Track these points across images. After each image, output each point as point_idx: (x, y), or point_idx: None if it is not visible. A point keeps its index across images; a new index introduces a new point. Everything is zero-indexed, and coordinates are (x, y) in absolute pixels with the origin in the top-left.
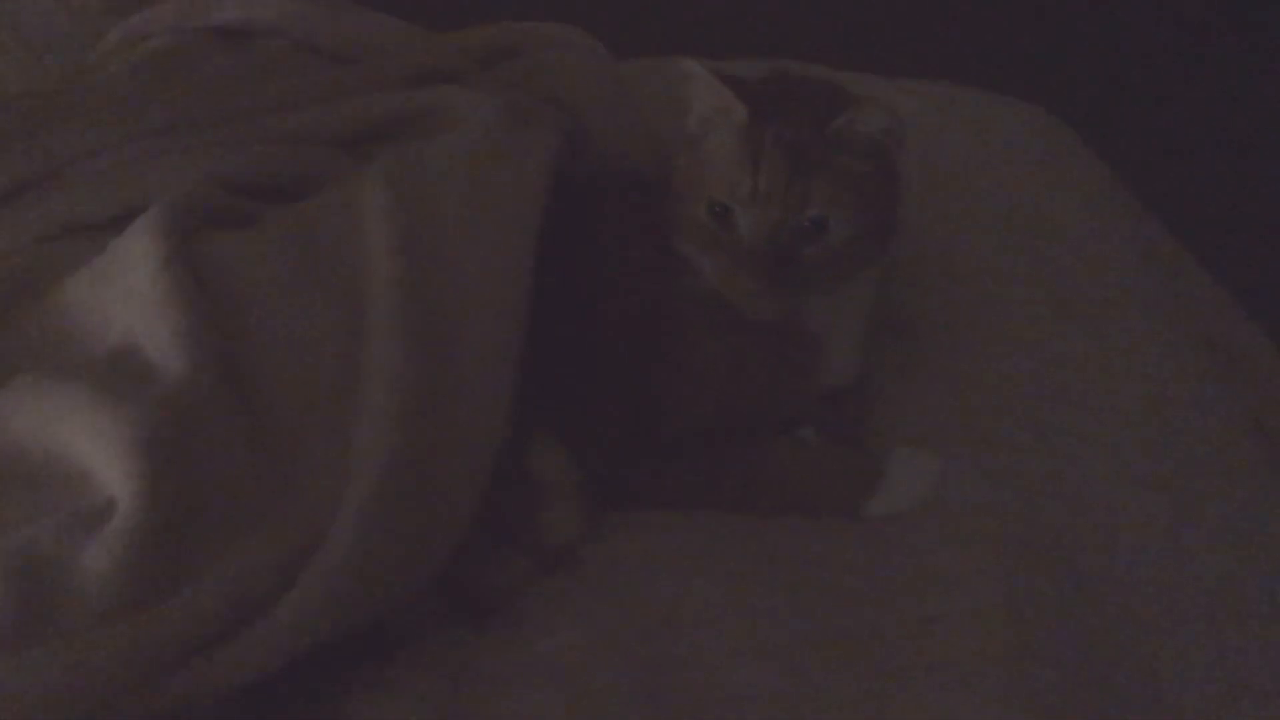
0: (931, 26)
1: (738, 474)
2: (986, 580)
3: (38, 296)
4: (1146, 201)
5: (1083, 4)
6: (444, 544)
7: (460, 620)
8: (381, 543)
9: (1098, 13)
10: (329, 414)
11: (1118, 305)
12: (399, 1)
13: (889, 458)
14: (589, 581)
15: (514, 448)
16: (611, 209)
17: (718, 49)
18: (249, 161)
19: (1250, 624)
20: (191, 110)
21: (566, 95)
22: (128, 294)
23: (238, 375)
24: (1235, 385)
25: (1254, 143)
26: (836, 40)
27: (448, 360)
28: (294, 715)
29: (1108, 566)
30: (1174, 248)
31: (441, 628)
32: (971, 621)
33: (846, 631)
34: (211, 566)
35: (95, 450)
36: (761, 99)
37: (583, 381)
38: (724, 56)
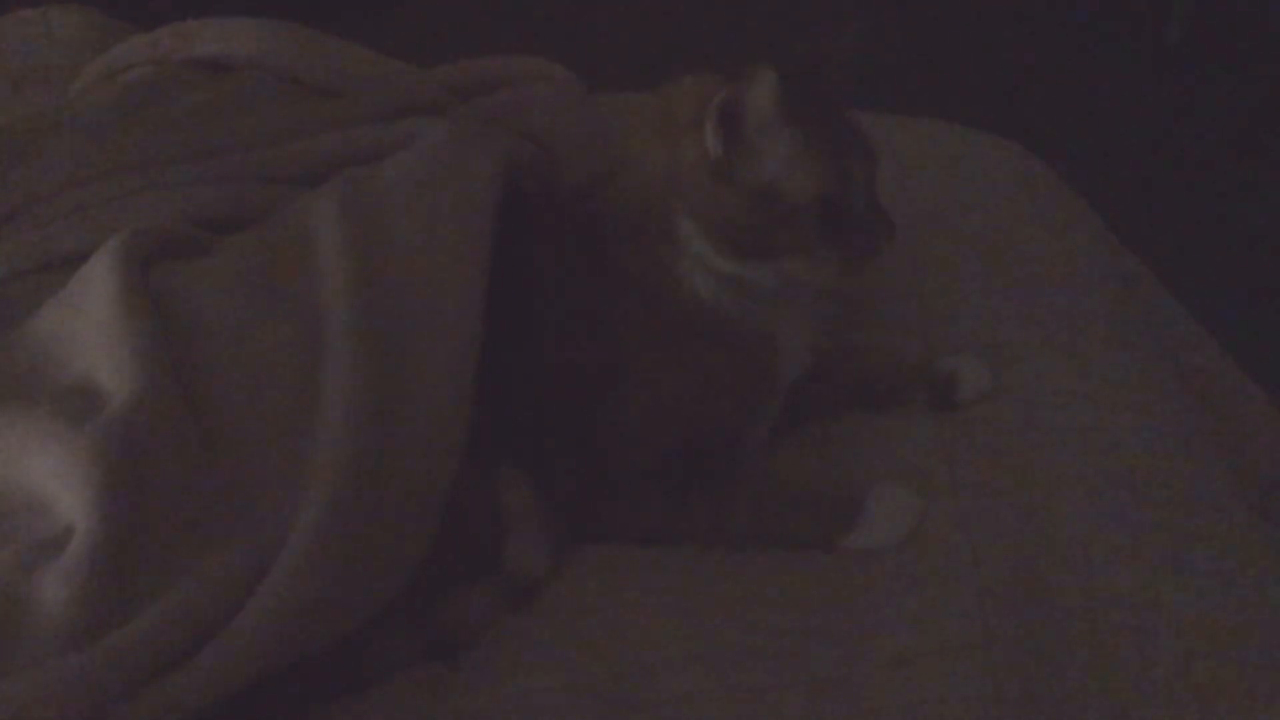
0: (907, 63)
1: (711, 505)
2: (961, 620)
3: (11, 330)
4: (1123, 236)
5: (1059, 39)
6: (399, 565)
7: (433, 658)
8: (335, 558)
9: (1074, 48)
10: (285, 433)
11: (1099, 341)
12: (378, 34)
13: (869, 493)
14: (560, 622)
15: (482, 478)
16: (567, 234)
17: None
18: (222, 199)
19: (1230, 670)
20: (167, 146)
21: (541, 129)
22: (89, 323)
23: (193, 397)
24: (1213, 420)
25: (1232, 177)
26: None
27: (402, 372)
28: None
29: (1086, 608)
30: (1151, 282)
31: (415, 666)
32: (944, 662)
33: (820, 672)
34: (166, 589)
35: (54, 478)
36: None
37: (549, 410)
38: None
